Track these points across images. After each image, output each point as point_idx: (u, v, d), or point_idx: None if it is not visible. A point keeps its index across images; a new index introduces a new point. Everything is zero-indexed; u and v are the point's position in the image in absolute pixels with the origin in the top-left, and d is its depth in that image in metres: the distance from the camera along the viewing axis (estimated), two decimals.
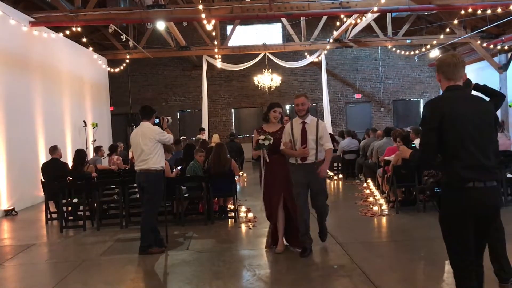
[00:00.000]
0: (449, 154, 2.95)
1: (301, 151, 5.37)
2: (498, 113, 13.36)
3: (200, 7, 10.27)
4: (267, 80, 17.40)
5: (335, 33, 15.36)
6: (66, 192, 7.73)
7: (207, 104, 17.92)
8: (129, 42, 14.86)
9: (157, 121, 6.12)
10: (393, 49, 17.86)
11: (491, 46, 15.16)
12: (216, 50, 16.05)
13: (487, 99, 4.27)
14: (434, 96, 20.71)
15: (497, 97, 4.34)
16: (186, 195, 7.74)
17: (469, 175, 2.87)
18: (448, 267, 4.75)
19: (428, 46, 16.87)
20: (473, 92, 4.29)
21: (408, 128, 11.13)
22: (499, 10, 11.62)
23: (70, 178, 8.37)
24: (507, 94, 15.03)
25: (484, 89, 4.37)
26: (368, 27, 15.57)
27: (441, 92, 3.21)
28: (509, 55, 15.36)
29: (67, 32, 12.65)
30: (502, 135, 8.63)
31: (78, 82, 14.19)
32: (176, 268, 5.27)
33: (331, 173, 12.03)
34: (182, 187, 7.61)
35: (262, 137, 5.58)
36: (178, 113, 19.89)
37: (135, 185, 6.65)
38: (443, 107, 2.97)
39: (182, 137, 13.84)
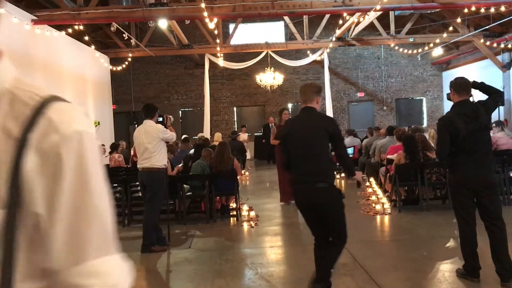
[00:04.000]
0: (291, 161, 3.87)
1: None
2: (501, 111, 13.33)
3: (202, 5, 10.24)
4: (269, 78, 17.37)
5: (338, 32, 15.32)
6: None
7: (209, 102, 17.90)
8: (131, 41, 14.85)
9: (160, 119, 6.13)
10: (396, 47, 17.80)
11: (495, 45, 15.10)
12: (218, 49, 16.03)
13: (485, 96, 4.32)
14: (437, 95, 20.74)
15: (495, 94, 4.37)
16: (189, 193, 7.74)
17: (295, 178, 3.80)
18: (451, 266, 4.74)
19: (431, 45, 16.81)
20: (473, 91, 4.30)
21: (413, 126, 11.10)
22: (502, 8, 11.56)
23: None
24: (510, 93, 15.00)
25: (482, 87, 4.38)
26: (371, 26, 15.52)
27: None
28: None
29: (69, 30, 12.64)
30: (504, 135, 8.58)
31: (80, 81, 14.20)
32: (178, 267, 5.27)
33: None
34: (185, 185, 7.61)
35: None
36: (180, 112, 19.89)
37: (137, 183, 6.66)
38: (286, 127, 4.26)
39: (184, 136, 13.84)
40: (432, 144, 7.89)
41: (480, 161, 4.08)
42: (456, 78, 4.35)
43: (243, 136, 15.87)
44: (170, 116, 6.44)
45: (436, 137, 7.88)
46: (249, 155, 16.16)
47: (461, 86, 4.24)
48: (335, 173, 3.91)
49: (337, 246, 3.89)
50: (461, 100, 4.19)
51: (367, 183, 10.32)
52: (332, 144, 3.80)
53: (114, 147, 10.89)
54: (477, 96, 4.29)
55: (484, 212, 4.13)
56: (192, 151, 9.72)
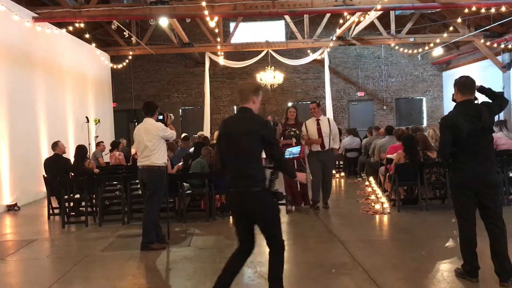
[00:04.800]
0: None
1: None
2: (501, 112, 13.33)
3: (203, 3, 10.25)
4: (269, 77, 17.38)
5: (338, 31, 15.33)
6: (68, 187, 7.75)
7: (209, 101, 17.91)
8: (132, 39, 14.85)
9: (161, 117, 6.13)
10: (396, 47, 17.81)
11: (495, 45, 15.10)
12: (218, 47, 16.04)
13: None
14: (437, 95, 20.76)
15: (501, 98, 4.34)
16: (188, 191, 7.75)
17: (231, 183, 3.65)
18: (450, 265, 4.76)
19: (432, 45, 16.83)
20: (477, 94, 4.28)
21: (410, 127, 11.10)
22: (503, 8, 11.57)
23: (73, 174, 8.39)
24: (510, 93, 15.00)
25: (489, 92, 4.33)
26: (371, 25, 15.52)
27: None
28: None
29: (70, 28, 12.65)
30: (503, 135, 8.59)
31: (81, 78, 14.21)
32: (177, 265, 5.28)
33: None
34: (184, 183, 7.61)
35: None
36: (180, 110, 19.89)
37: (137, 181, 6.66)
38: (220, 127, 3.87)
39: (184, 134, 13.84)
40: (432, 144, 7.91)
41: (482, 161, 4.08)
42: (461, 77, 4.28)
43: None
44: (171, 114, 6.43)
45: (439, 136, 7.92)
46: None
47: (466, 85, 4.19)
48: (268, 175, 3.61)
49: (275, 255, 3.72)
50: (464, 100, 4.17)
51: (367, 183, 10.35)
52: (266, 149, 3.58)
53: (114, 145, 10.90)
54: (481, 99, 4.26)
55: (485, 212, 4.14)
56: (192, 149, 9.73)
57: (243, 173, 3.56)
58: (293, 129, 7.78)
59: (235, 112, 3.58)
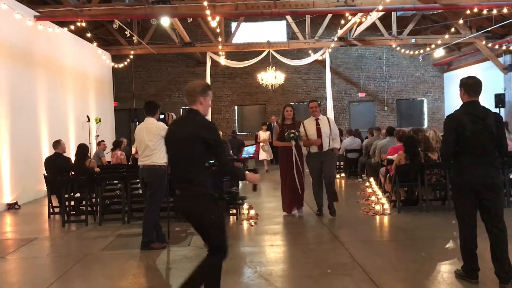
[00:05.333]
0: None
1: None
2: (501, 114, 13.31)
3: (205, 3, 10.26)
4: (270, 77, 17.37)
5: (340, 32, 15.32)
6: (69, 186, 7.76)
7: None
8: (133, 38, 14.86)
9: (162, 116, 6.13)
10: (398, 48, 17.81)
11: (496, 47, 15.09)
12: (220, 47, 16.05)
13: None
14: (438, 96, 20.77)
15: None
16: None
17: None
18: (450, 267, 4.75)
19: (433, 46, 16.81)
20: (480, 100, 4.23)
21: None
22: (505, 10, 11.57)
23: (73, 173, 8.40)
24: (511, 95, 14.98)
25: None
26: (373, 26, 15.53)
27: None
28: None
29: (72, 27, 12.66)
30: None
31: (82, 77, 14.22)
32: (177, 264, 5.28)
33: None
34: None
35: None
36: (181, 110, 19.88)
37: (137, 180, 6.65)
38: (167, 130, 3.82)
39: None
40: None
41: (484, 163, 4.06)
42: (468, 78, 4.25)
43: (264, 135, 14.43)
44: (173, 114, 6.43)
45: (439, 138, 7.91)
46: (267, 156, 14.27)
47: (472, 87, 4.17)
48: (211, 180, 3.45)
49: (208, 260, 3.52)
50: (470, 101, 4.17)
51: (367, 183, 10.34)
52: (211, 153, 3.44)
53: (116, 144, 10.89)
54: (482, 102, 4.24)
55: (486, 213, 4.13)
56: None
57: (184, 177, 3.48)
58: (293, 131, 7.31)
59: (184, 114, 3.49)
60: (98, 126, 14.59)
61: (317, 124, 7.36)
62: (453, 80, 18.50)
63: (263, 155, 14.16)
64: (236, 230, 6.93)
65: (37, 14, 11.08)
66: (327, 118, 7.59)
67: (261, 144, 14.12)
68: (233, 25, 17.88)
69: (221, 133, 14.07)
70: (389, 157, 8.43)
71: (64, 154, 8.93)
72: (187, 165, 3.46)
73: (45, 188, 8.75)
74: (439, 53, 18.26)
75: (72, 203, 8.08)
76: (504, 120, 10.98)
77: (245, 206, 7.94)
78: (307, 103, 8.71)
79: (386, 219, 7.26)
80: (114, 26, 13.08)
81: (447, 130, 4.18)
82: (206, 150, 3.41)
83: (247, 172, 3.81)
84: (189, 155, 3.43)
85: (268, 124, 15.49)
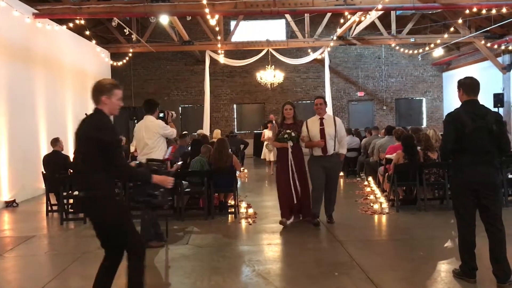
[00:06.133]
0: None
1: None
2: (500, 113, 13.32)
3: (204, 1, 10.24)
4: (270, 76, 17.36)
5: (339, 31, 15.32)
6: (67, 184, 7.74)
7: (209, 99, 17.88)
8: (132, 36, 14.84)
9: (161, 115, 6.12)
10: (397, 47, 17.81)
11: (495, 46, 15.10)
12: (219, 45, 16.03)
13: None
14: (436, 95, 20.77)
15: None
16: (187, 190, 7.74)
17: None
18: (448, 266, 4.76)
19: (432, 45, 16.83)
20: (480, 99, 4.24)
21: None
22: (504, 10, 11.56)
23: (71, 171, 8.38)
24: (510, 95, 15.00)
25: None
26: (372, 25, 15.53)
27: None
28: None
29: (71, 24, 12.63)
30: None
31: (81, 75, 14.19)
32: (175, 263, 5.28)
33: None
34: (183, 181, 7.61)
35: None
36: (180, 108, 19.89)
37: None
38: None
39: (184, 132, 13.85)
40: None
41: (484, 162, 4.07)
42: (466, 78, 4.27)
43: (269, 134, 12.80)
44: (172, 112, 6.42)
45: (439, 137, 7.91)
46: (271, 156, 13.02)
47: (471, 87, 4.19)
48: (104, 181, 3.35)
49: (131, 261, 3.43)
50: (470, 100, 4.18)
51: (366, 183, 10.34)
52: (104, 155, 3.32)
53: None
54: (481, 101, 4.25)
55: (485, 213, 4.13)
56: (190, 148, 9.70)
57: (82, 178, 3.45)
58: (288, 131, 6.66)
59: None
60: None
61: (321, 124, 6.63)
62: (452, 79, 18.51)
63: (267, 155, 13.63)
64: (234, 229, 6.94)
65: (36, 11, 11.06)
66: (334, 118, 6.78)
67: (265, 143, 13.73)
68: (232, 23, 17.86)
69: (219, 131, 14.09)
70: (388, 156, 8.43)
71: (63, 152, 8.92)
72: (86, 166, 3.42)
73: (43, 186, 8.73)
74: (438, 52, 18.28)
75: (70, 201, 8.07)
76: (503, 120, 11.00)
77: (244, 204, 7.94)
78: (306, 102, 8.47)
79: (384, 218, 7.27)
80: (113, 24, 13.07)
81: (447, 127, 4.19)
82: (100, 152, 3.32)
83: (155, 175, 3.68)
84: (86, 155, 3.41)
85: (267, 122, 15.13)
